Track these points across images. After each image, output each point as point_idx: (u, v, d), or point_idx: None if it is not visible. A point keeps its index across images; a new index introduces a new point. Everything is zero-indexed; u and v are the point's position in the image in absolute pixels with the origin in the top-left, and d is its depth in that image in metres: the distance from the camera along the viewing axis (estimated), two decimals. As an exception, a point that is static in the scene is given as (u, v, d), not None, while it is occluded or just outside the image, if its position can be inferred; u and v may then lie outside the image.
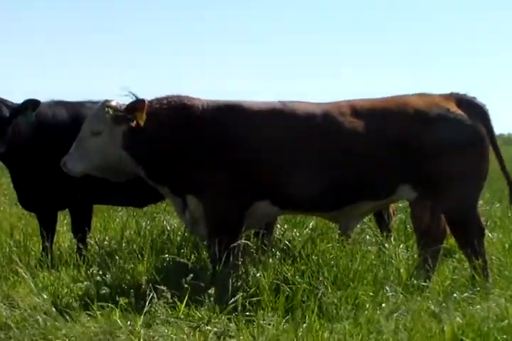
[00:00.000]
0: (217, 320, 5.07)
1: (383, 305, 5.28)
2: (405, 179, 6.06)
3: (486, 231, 6.40)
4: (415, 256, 6.35)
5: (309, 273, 5.73)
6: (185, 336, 4.87)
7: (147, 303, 5.17)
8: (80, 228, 7.06)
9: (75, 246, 7.11)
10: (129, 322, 5.00)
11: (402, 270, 6.00)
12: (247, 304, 5.26)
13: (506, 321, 4.76)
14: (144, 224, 7.90)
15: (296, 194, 6.04)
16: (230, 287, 5.46)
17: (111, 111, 6.16)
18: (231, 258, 5.94)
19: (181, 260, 5.97)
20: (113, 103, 6.23)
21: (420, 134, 6.03)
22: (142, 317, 5.03)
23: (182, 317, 5.16)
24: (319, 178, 6.03)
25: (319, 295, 5.35)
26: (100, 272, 5.94)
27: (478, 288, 5.69)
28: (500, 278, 6.04)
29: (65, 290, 5.88)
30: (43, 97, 7.05)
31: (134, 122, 6.11)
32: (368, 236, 7.44)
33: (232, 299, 5.23)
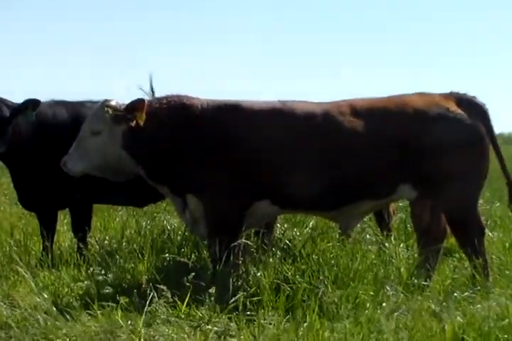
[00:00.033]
0: (217, 320, 5.07)
1: (384, 304, 5.28)
2: (405, 178, 6.06)
3: (487, 231, 6.41)
4: (416, 255, 6.35)
5: (310, 272, 5.73)
6: (185, 335, 4.86)
7: (148, 303, 5.16)
8: (80, 227, 7.06)
9: (76, 246, 7.11)
10: (129, 322, 5.00)
11: (402, 269, 6.00)
12: (247, 303, 5.25)
13: (507, 320, 4.76)
14: (144, 223, 7.90)
15: (296, 193, 6.04)
16: (231, 286, 5.45)
17: (110, 111, 6.16)
18: (231, 257, 5.94)
19: (182, 259, 5.98)
20: (113, 103, 6.23)
21: (420, 133, 6.03)
22: (143, 316, 5.02)
23: (183, 316, 5.16)
24: (319, 178, 6.03)
25: (320, 294, 5.35)
26: (102, 272, 5.94)
27: (478, 287, 5.69)
28: (500, 277, 6.04)
29: (66, 290, 5.88)
30: (43, 97, 7.07)
31: (134, 122, 6.11)
32: (368, 236, 7.45)
33: (233, 298, 5.23)
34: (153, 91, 6.55)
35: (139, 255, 6.47)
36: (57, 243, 7.50)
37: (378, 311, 5.12)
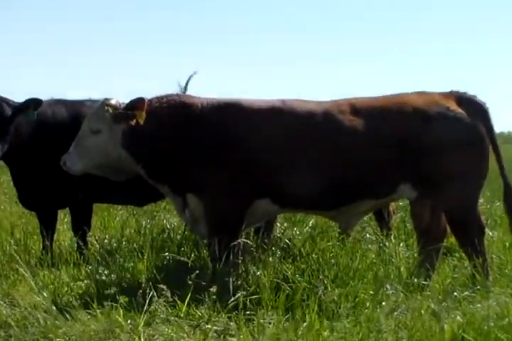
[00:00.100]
0: (217, 319, 5.07)
1: (383, 303, 5.28)
2: (405, 178, 6.06)
3: (487, 230, 6.40)
4: (415, 254, 6.35)
5: (309, 271, 5.72)
6: (185, 335, 4.86)
7: (147, 302, 5.16)
8: (80, 226, 7.07)
9: (75, 245, 7.11)
10: (129, 321, 4.99)
11: (402, 268, 6.00)
12: (247, 303, 5.25)
13: (507, 319, 4.76)
14: (144, 222, 7.91)
15: (296, 193, 6.04)
16: (231, 286, 5.45)
17: (110, 110, 6.16)
18: (231, 256, 5.94)
19: (181, 258, 5.98)
20: (113, 101, 6.23)
21: (420, 132, 6.03)
22: (142, 315, 5.02)
23: (182, 315, 5.16)
24: (319, 177, 6.03)
25: (319, 293, 5.34)
26: (104, 271, 5.94)
27: (478, 287, 5.69)
28: (500, 277, 6.04)
29: (65, 289, 5.88)
30: (44, 96, 7.08)
31: (134, 121, 6.11)
32: (368, 235, 7.45)
33: (233, 298, 5.23)
34: (185, 89, 6.57)
35: (139, 254, 6.46)
36: (57, 242, 7.50)
37: (378, 310, 5.11)
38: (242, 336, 4.82)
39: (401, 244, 6.97)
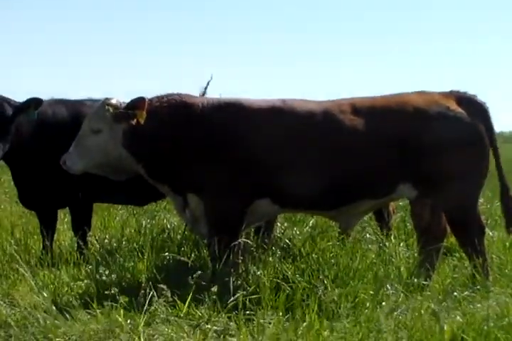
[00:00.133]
0: (217, 319, 5.06)
1: (383, 303, 5.28)
2: (405, 177, 6.06)
3: (487, 230, 6.40)
4: (416, 254, 6.35)
5: (309, 271, 5.72)
6: (185, 335, 4.86)
7: (147, 302, 5.16)
8: (80, 226, 7.07)
9: (76, 245, 7.11)
10: (129, 321, 4.99)
11: (402, 268, 6.00)
12: (247, 302, 5.25)
13: (507, 319, 4.76)
14: (144, 222, 7.91)
15: (297, 192, 6.04)
16: (231, 286, 5.45)
17: (111, 110, 6.16)
18: (231, 256, 5.94)
19: (182, 258, 5.98)
20: (113, 101, 6.23)
21: (420, 132, 6.03)
22: (142, 315, 5.02)
23: (182, 315, 5.16)
24: (319, 177, 6.03)
25: (319, 293, 5.34)
26: (104, 271, 5.94)
27: (478, 287, 5.69)
28: (500, 277, 6.04)
29: (65, 289, 5.88)
30: (44, 96, 7.08)
31: (134, 120, 6.11)
32: (368, 235, 7.45)
33: (232, 298, 5.23)
34: (205, 92, 6.62)
35: (139, 254, 6.46)
36: (57, 242, 7.51)
37: (378, 310, 5.11)
38: (241, 336, 4.82)
39: (401, 244, 6.97)
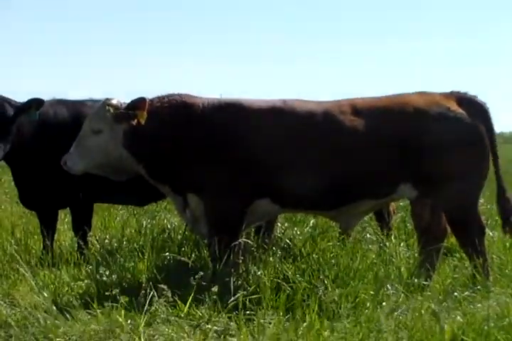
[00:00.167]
0: (217, 319, 5.07)
1: (384, 303, 5.28)
2: (405, 178, 6.06)
3: (487, 230, 6.40)
4: (416, 254, 6.35)
5: (310, 271, 5.72)
6: (185, 335, 4.86)
7: (148, 302, 5.17)
8: (81, 226, 7.07)
9: (76, 245, 7.11)
10: (129, 321, 4.99)
11: (402, 268, 6.00)
12: (247, 303, 5.25)
13: (507, 320, 4.76)
14: (144, 222, 7.91)
15: (297, 192, 6.04)
16: (232, 286, 5.45)
17: (112, 110, 6.16)
18: (231, 256, 5.94)
19: (182, 258, 5.98)
20: (114, 101, 6.23)
21: (420, 133, 6.03)
22: (143, 315, 5.02)
23: (182, 315, 5.16)
24: (319, 177, 6.03)
25: (320, 293, 5.34)
26: (105, 272, 5.94)
27: (478, 287, 5.69)
28: (500, 277, 6.04)
29: (66, 289, 5.88)
30: (45, 96, 7.09)
31: (135, 121, 6.11)
32: (368, 235, 7.45)
33: (233, 298, 5.23)
34: None
35: (140, 254, 6.46)
36: (57, 242, 7.51)
37: (378, 310, 5.11)
38: (242, 336, 4.82)
39: (401, 244, 6.97)
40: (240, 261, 5.99)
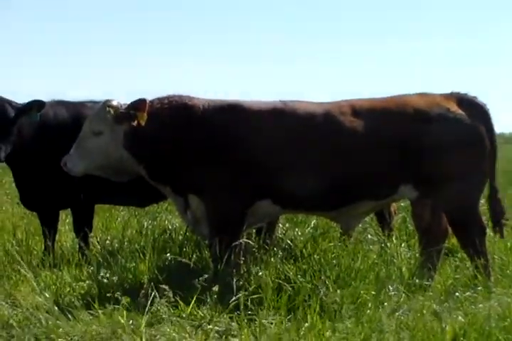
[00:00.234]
0: (219, 319, 5.07)
1: (385, 304, 5.28)
2: (406, 179, 6.06)
3: (488, 231, 6.40)
4: (417, 255, 6.35)
5: (311, 272, 5.73)
6: (187, 335, 4.87)
7: (149, 302, 5.17)
8: (82, 227, 7.07)
9: (77, 246, 7.11)
10: (131, 321, 4.99)
11: (404, 269, 6.00)
12: (248, 303, 5.25)
13: (508, 320, 4.77)
14: (145, 223, 7.91)
15: (298, 194, 6.04)
16: (234, 286, 5.45)
17: (112, 111, 6.16)
18: (233, 257, 5.94)
19: (183, 260, 5.98)
20: (114, 103, 6.23)
21: (420, 134, 6.04)
22: (144, 316, 5.03)
23: (184, 316, 5.16)
24: (320, 178, 6.03)
25: (321, 294, 5.35)
26: (106, 272, 5.94)
27: (480, 287, 5.68)
28: (502, 277, 6.04)
29: (67, 289, 5.88)
30: (45, 97, 7.10)
31: (135, 122, 6.11)
32: (369, 236, 7.45)
33: (234, 298, 5.23)
34: None
35: (141, 255, 6.46)
36: (58, 243, 7.51)
37: (380, 311, 5.11)
38: (243, 336, 4.82)
39: (402, 245, 6.98)
40: (241, 262, 6.00)
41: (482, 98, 6.28)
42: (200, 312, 5.18)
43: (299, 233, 7.18)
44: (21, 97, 7.00)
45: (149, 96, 6.25)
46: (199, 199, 6.08)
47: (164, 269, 6.03)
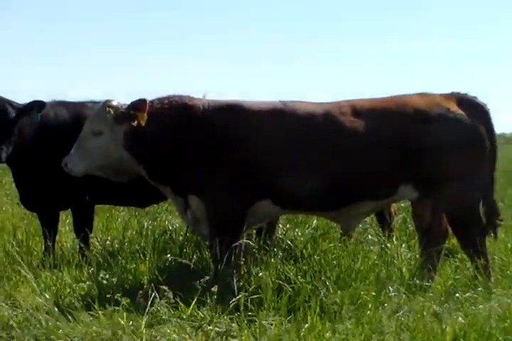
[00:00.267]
0: (219, 320, 5.07)
1: (385, 305, 5.28)
2: (406, 179, 6.06)
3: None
4: (417, 255, 6.35)
5: (311, 272, 5.73)
6: (187, 336, 4.87)
7: (149, 303, 5.17)
8: (82, 228, 7.07)
9: (77, 246, 7.11)
10: (131, 322, 4.99)
11: (404, 270, 6.00)
12: (249, 304, 5.25)
13: (508, 321, 4.76)
14: (145, 224, 7.91)
15: (298, 194, 6.04)
16: (235, 287, 5.45)
17: (112, 111, 6.16)
18: (233, 257, 5.94)
19: (183, 261, 5.97)
20: (114, 103, 6.23)
21: (421, 134, 6.04)
22: (144, 317, 5.03)
23: (184, 317, 5.16)
24: (320, 178, 6.03)
25: (321, 295, 5.34)
26: (106, 273, 5.94)
27: (480, 288, 5.68)
28: (502, 278, 6.04)
29: (68, 290, 5.88)
30: (45, 97, 7.10)
31: (135, 122, 6.11)
32: (369, 236, 7.45)
33: (234, 299, 5.23)
34: None
35: (141, 255, 6.46)
36: (59, 243, 7.51)
37: (380, 312, 5.11)
38: (243, 337, 4.82)
39: (403, 245, 6.98)
40: (242, 263, 6.00)
41: (482, 98, 6.29)
42: (200, 313, 5.17)
43: (299, 234, 7.18)
44: (22, 97, 7.02)
45: (149, 96, 6.26)
46: (199, 200, 6.08)
47: (164, 270, 6.03)
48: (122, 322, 4.96)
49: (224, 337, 4.93)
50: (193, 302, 5.23)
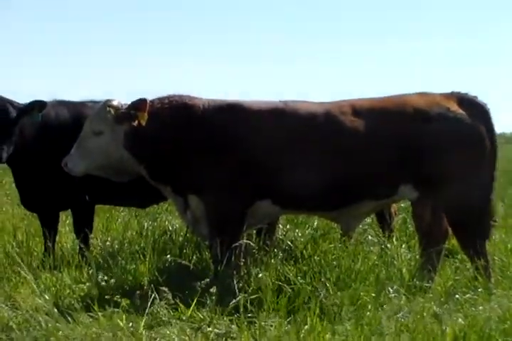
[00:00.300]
0: (219, 322, 5.06)
1: (385, 306, 5.27)
2: (406, 179, 6.06)
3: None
4: (417, 256, 6.34)
5: (311, 273, 5.72)
6: (187, 337, 4.86)
7: (149, 304, 5.16)
8: (82, 229, 7.07)
9: (77, 247, 7.11)
10: (130, 324, 4.99)
11: (404, 270, 5.99)
12: (248, 305, 5.25)
13: (508, 322, 4.76)
14: (145, 224, 7.91)
15: (297, 194, 6.04)
16: (236, 287, 5.45)
17: (112, 111, 6.16)
18: (233, 258, 5.94)
19: (183, 261, 5.97)
20: (114, 102, 6.23)
21: (421, 133, 6.03)
22: (144, 318, 5.02)
23: (184, 318, 5.15)
24: (320, 178, 6.02)
25: (321, 296, 5.34)
26: (104, 277, 5.93)
27: (480, 289, 5.67)
28: (502, 279, 6.03)
29: (67, 291, 5.87)
30: (45, 97, 7.10)
31: (136, 122, 6.11)
32: (369, 237, 7.44)
33: (234, 300, 5.22)
34: None
35: (141, 256, 6.46)
36: (59, 244, 7.50)
37: (380, 313, 5.10)
38: (243, 339, 4.82)
39: (403, 246, 6.97)
40: (242, 263, 5.99)
41: (482, 98, 6.28)
42: (199, 315, 5.17)
43: (299, 234, 7.17)
44: (22, 97, 7.02)
45: (149, 96, 6.26)
46: (199, 199, 6.08)
47: (164, 271, 6.03)
48: (122, 324, 4.95)
49: (224, 338, 4.93)
50: (193, 304, 5.22)
